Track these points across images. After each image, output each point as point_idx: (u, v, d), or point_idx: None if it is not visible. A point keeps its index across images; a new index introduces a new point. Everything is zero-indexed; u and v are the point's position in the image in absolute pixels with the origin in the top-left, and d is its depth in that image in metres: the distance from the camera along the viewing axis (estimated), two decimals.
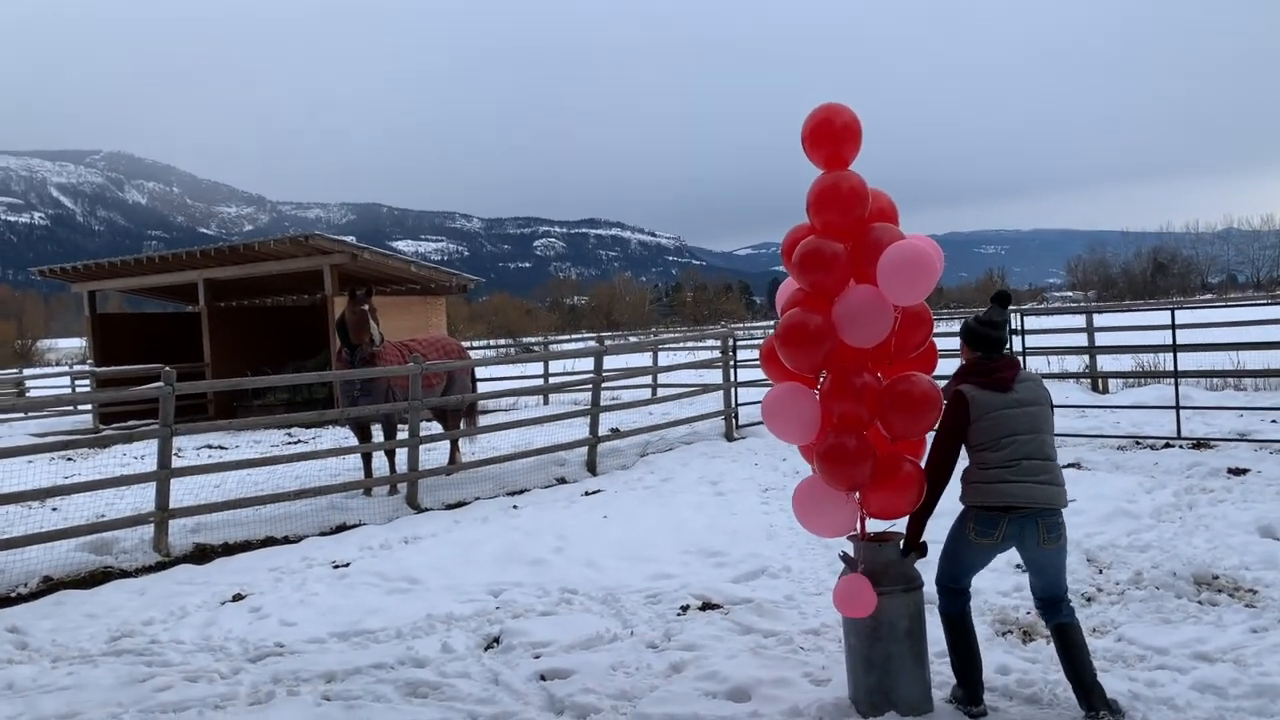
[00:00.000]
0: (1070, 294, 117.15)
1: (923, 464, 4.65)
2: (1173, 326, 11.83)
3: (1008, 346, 4.77)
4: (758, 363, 4.97)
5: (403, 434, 11.35)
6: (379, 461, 11.48)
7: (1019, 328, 13.34)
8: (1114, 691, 4.66)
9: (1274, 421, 11.91)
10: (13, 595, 7.53)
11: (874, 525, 4.90)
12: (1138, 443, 11.45)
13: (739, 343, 18.42)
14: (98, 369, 20.50)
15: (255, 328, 22.97)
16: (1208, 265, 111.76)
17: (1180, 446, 10.99)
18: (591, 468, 12.25)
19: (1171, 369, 15.60)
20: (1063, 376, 16.12)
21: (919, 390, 4.47)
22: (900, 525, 4.80)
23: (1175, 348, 11.90)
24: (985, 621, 5.79)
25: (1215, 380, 15.74)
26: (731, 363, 15.59)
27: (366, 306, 10.84)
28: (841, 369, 4.55)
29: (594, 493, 10.82)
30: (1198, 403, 13.27)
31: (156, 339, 23.07)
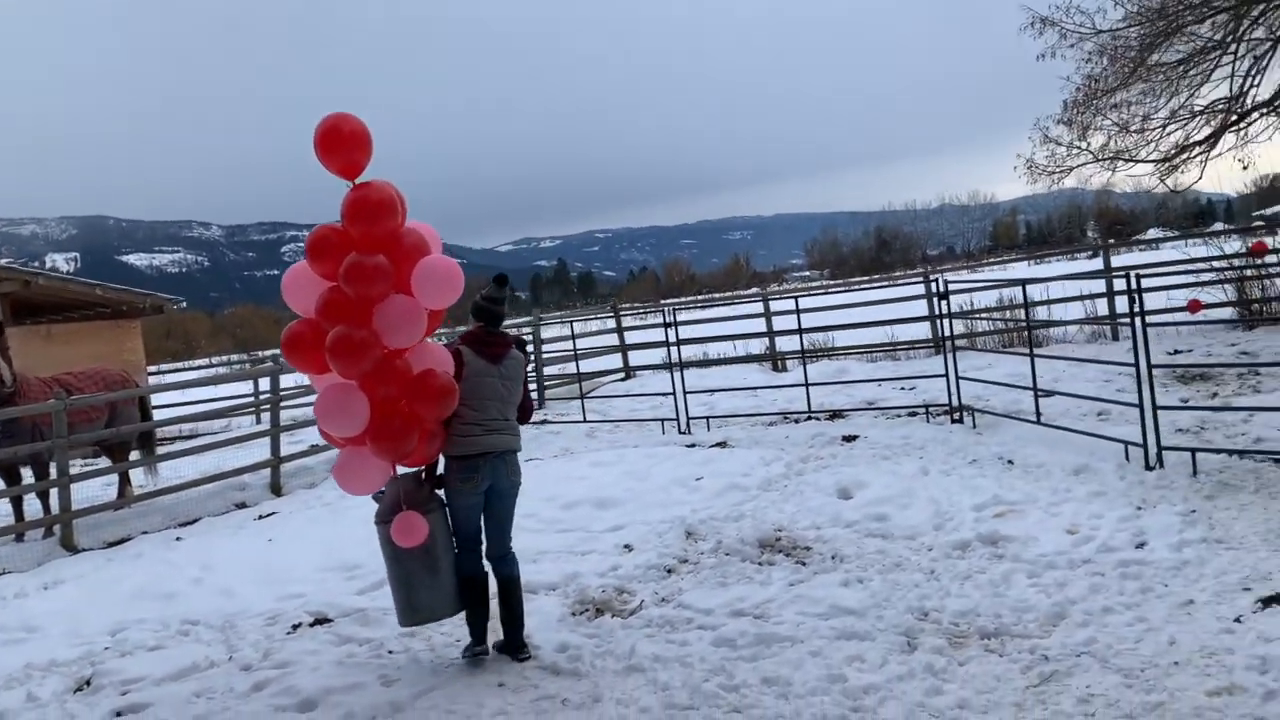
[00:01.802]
0: (809, 273, 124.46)
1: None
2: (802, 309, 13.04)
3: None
4: None
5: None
6: (35, 505, 10.90)
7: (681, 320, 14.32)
8: (642, 654, 5.30)
9: (902, 388, 13.37)
10: None
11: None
12: (785, 417, 12.58)
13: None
14: None
15: None
16: (925, 239, 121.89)
17: (818, 419, 12.18)
18: (275, 489, 12.13)
19: (832, 346, 17.30)
20: (746, 360, 17.43)
21: (441, 382, 5.16)
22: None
23: (798, 331, 13.12)
24: (568, 601, 6.34)
25: (877, 354, 17.51)
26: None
27: None
28: (384, 360, 5.04)
29: (269, 515, 10.74)
30: (855, 375, 14.73)
31: None
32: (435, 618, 5.52)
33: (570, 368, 16.92)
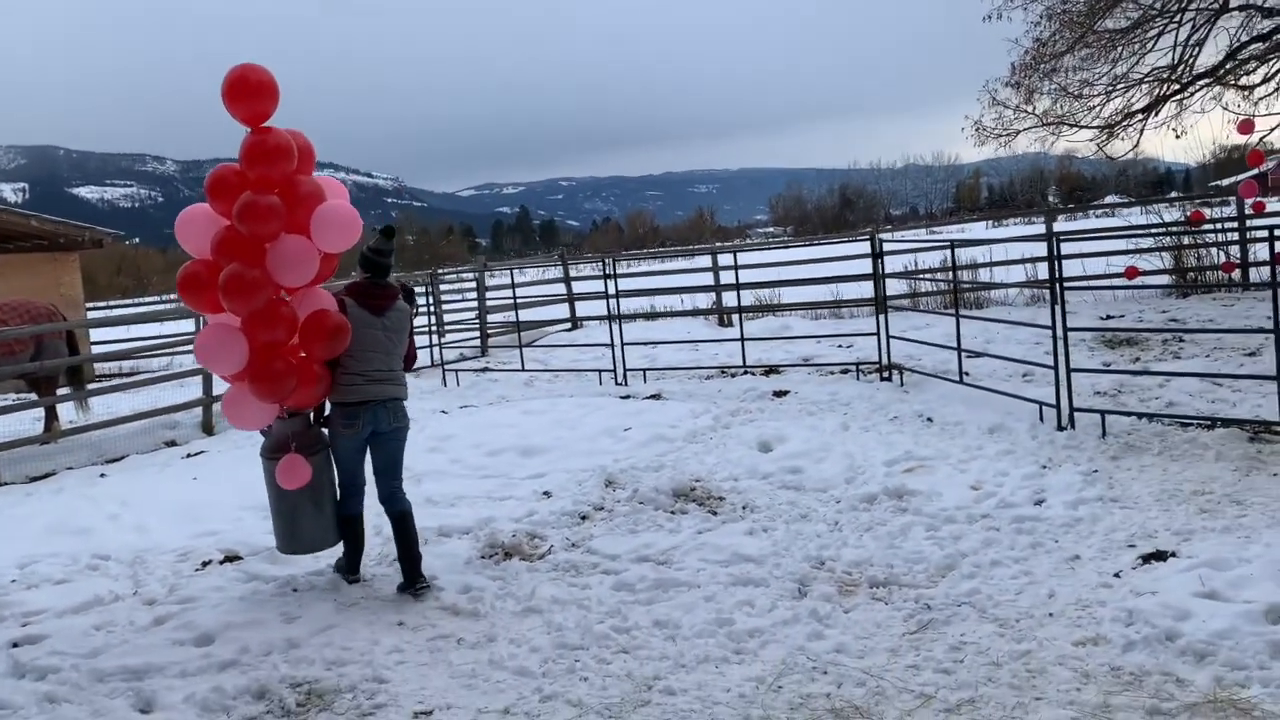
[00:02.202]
0: (772, 229, 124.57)
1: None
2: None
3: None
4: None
5: None
6: None
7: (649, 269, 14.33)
8: (542, 596, 5.39)
9: (840, 346, 13.52)
10: None
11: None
12: (723, 372, 12.68)
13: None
14: None
15: None
16: (890, 198, 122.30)
17: (753, 374, 12.28)
18: (207, 428, 12.04)
19: (778, 303, 17.42)
20: (689, 314, 17.50)
21: (335, 321, 5.44)
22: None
23: (735, 286, 13.18)
24: (479, 544, 6.40)
25: (822, 312, 17.65)
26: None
27: None
28: (270, 304, 5.25)
29: (197, 454, 10.68)
30: (796, 332, 14.86)
31: None
32: (316, 549, 5.86)
33: (514, 316, 16.87)
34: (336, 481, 5.81)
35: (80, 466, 10.47)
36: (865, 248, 16.42)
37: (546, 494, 7.57)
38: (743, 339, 12.44)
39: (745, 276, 18.92)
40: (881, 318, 11.09)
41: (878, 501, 6.69)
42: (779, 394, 10.69)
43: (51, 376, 11.73)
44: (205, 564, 6.54)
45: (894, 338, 11.05)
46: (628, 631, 4.94)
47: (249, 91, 5.11)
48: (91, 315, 24.58)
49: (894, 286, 14.83)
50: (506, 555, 6.27)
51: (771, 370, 12.34)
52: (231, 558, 6.60)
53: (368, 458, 5.81)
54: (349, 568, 5.94)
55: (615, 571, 5.79)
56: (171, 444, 11.46)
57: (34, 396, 12.19)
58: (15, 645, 5.30)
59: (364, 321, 5.60)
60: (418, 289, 22.03)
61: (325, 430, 5.82)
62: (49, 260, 19.72)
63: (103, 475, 9.91)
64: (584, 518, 6.93)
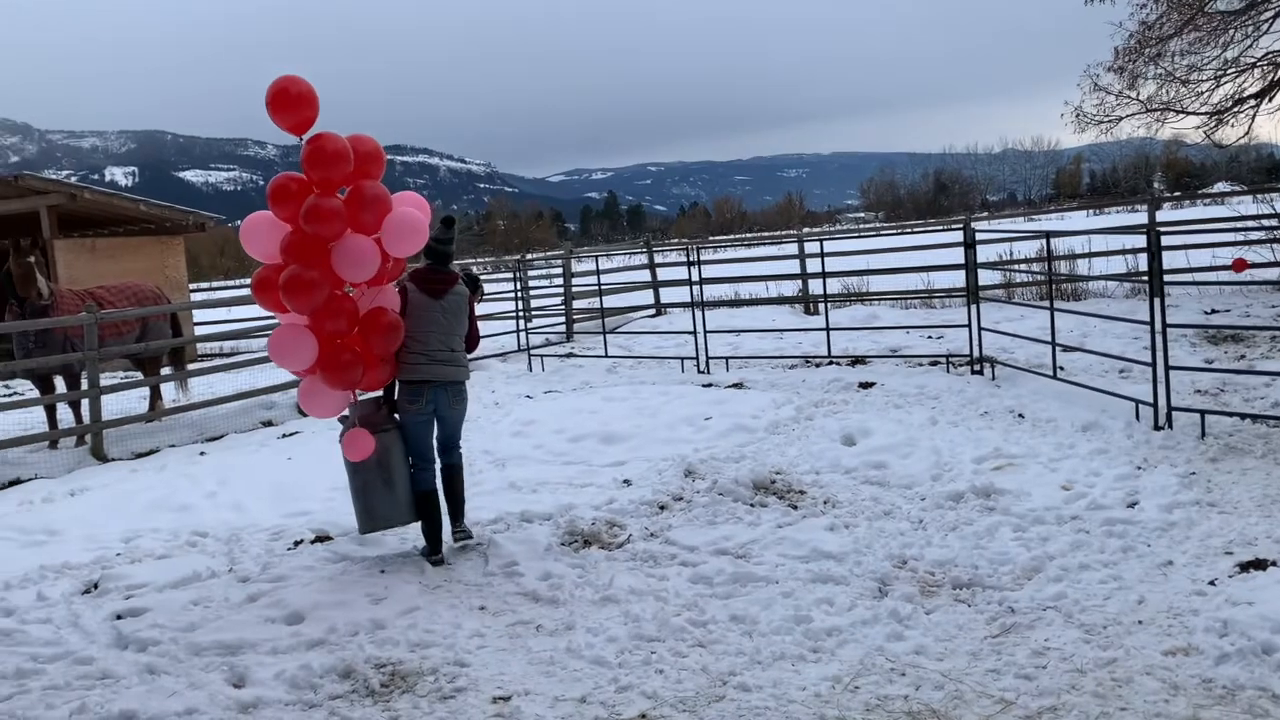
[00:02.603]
0: (863, 215, 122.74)
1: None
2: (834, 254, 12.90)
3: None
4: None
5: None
6: (67, 414, 11.29)
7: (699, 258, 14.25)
8: (620, 586, 5.44)
9: (930, 337, 13.27)
10: None
11: None
12: (807, 361, 12.56)
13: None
14: None
15: None
16: (986, 184, 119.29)
17: (839, 364, 12.14)
18: (303, 410, 12.37)
19: (866, 291, 17.17)
20: (775, 302, 17.36)
21: (390, 319, 5.89)
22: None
23: (821, 275, 12.99)
24: (559, 531, 6.48)
25: (912, 301, 17.33)
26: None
27: (32, 259, 10.53)
28: (332, 299, 5.71)
29: (292, 435, 11.01)
30: (884, 322, 14.63)
31: None
32: (391, 525, 6.23)
33: (599, 302, 16.96)
34: (408, 461, 6.13)
35: (182, 445, 10.88)
36: (957, 236, 16.10)
37: (626, 482, 7.62)
38: (828, 328, 12.29)
39: (832, 264, 18.69)
40: (973, 308, 10.85)
41: (964, 500, 6.56)
42: (865, 385, 10.55)
43: (156, 357, 12.20)
44: (297, 543, 6.75)
45: (986, 330, 10.80)
46: (704, 625, 4.95)
47: (290, 102, 5.54)
48: (194, 297, 25.47)
49: (987, 276, 14.50)
50: (586, 543, 6.33)
51: (857, 361, 12.18)
52: (322, 538, 6.80)
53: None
54: (429, 545, 6.18)
55: (693, 563, 5.81)
56: (268, 424, 11.84)
57: (139, 375, 12.71)
58: (119, 617, 5.56)
59: (424, 305, 6.05)
60: (506, 274, 22.37)
61: (395, 413, 6.18)
62: (156, 243, 20.50)
63: (202, 453, 10.29)
64: (663, 508, 6.95)
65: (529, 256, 20.46)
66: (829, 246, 13.48)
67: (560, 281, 18.74)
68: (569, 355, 15.09)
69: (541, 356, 14.66)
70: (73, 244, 18.56)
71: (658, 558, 5.96)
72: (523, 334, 15.73)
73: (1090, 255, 16.05)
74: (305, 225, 5.49)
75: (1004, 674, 4.25)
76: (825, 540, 5.97)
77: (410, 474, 6.13)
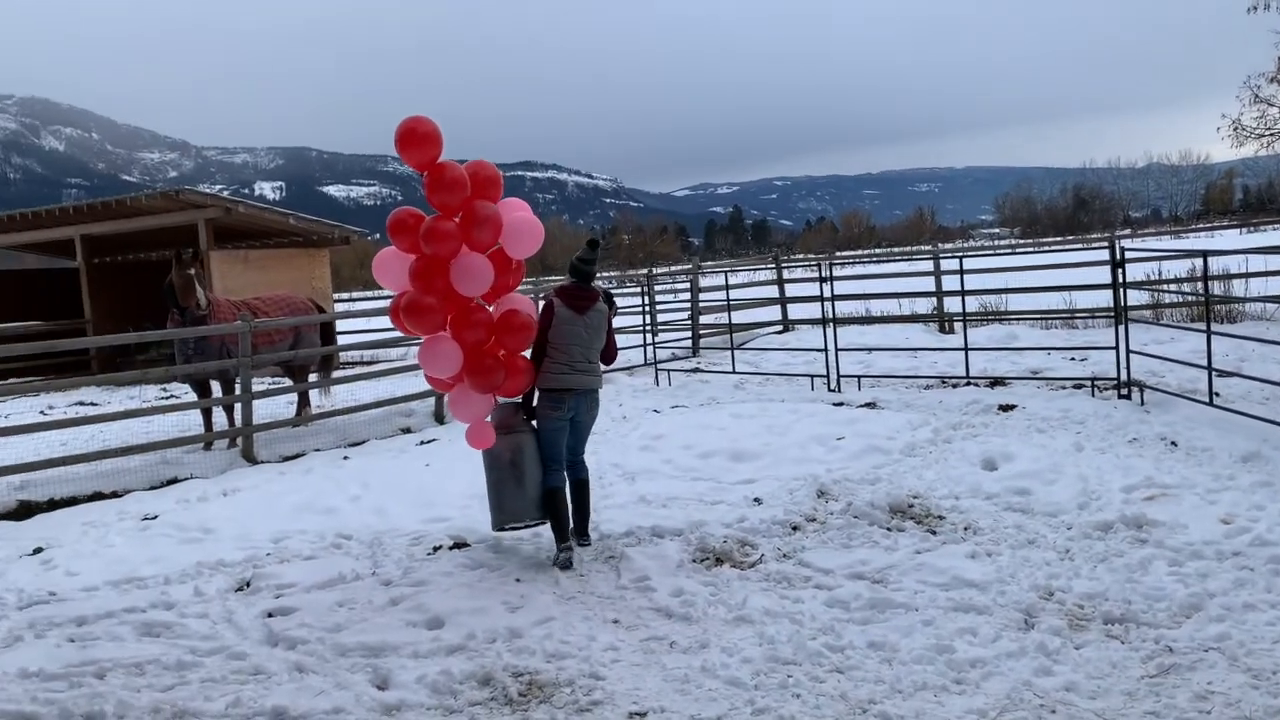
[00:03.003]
0: (997, 230, 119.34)
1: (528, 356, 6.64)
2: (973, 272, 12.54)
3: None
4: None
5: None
6: (221, 417, 11.88)
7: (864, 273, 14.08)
8: (754, 606, 5.39)
9: (1073, 359, 12.76)
10: None
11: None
12: (943, 382, 12.24)
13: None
14: None
15: (137, 283, 22.94)
16: (1129, 200, 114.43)
17: (977, 385, 11.79)
18: (439, 417, 12.75)
19: (1005, 310, 16.63)
20: (908, 320, 17.00)
21: (521, 319, 6.42)
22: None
23: (960, 293, 12.63)
24: (690, 548, 6.47)
25: (1053, 321, 16.73)
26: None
27: (193, 270, 11.12)
28: (464, 312, 6.27)
29: (429, 442, 11.32)
30: (1024, 342, 14.15)
31: (38, 296, 22.98)
32: (520, 521, 6.56)
33: (726, 317, 16.92)
34: (539, 463, 6.54)
35: (326, 449, 11.31)
36: (1101, 254, 15.47)
37: (757, 501, 7.56)
38: (966, 347, 11.96)
39: (969, 281, 18.17)
40: (1120, 330, 10.39)
41: (1114, 530, 6.28)
42: (1005, 408, 10.22)
43: (305, 365, 12.73)
44: (436, 549, 6.93)
45: (1134, 352, 10.33)
46: (841, 650, 4.86)
47: (417, 141, 6.05)
48: (336, 307, 26.51)
49: (1134, 297, 13.89)
50: (718, 561, 6.30)
51: (997, 382, 11.82)
52: (460, 544, 6.97)
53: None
54: (557, 535, 6.54)
55: (828, 587, 5.72)
56: (407, 430, 12.21)
57: (288, 381, 13.29)
58: (270, 615, 5.80)
59: (568, 319, 6.50)
60: (633, 288, 22.56)
61: (530, 417, 6.65)
62: (304, 255, 21.43)
63: (346, 458, 10.67)
64: (795, 528, 6.87)
65: (654, 271, 20.62)
66: (967, 264, 13.10)
67: (686, 296, 18.76)
68: (695, 370, 15.10)
69: (668, 371, 14.71)
70: (227, 255, 19.57)
71: (791, 579, 5.89)
72: (649, 348, 15.83)
73: (1247, 276, 15.18)
74: (424, 246, 6.03)
75: (1163, 717, 4.04)
76: (967, 568, 5.80)
77: (541, 474, 6.54)
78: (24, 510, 9.15)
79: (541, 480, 6.53)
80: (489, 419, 6.54)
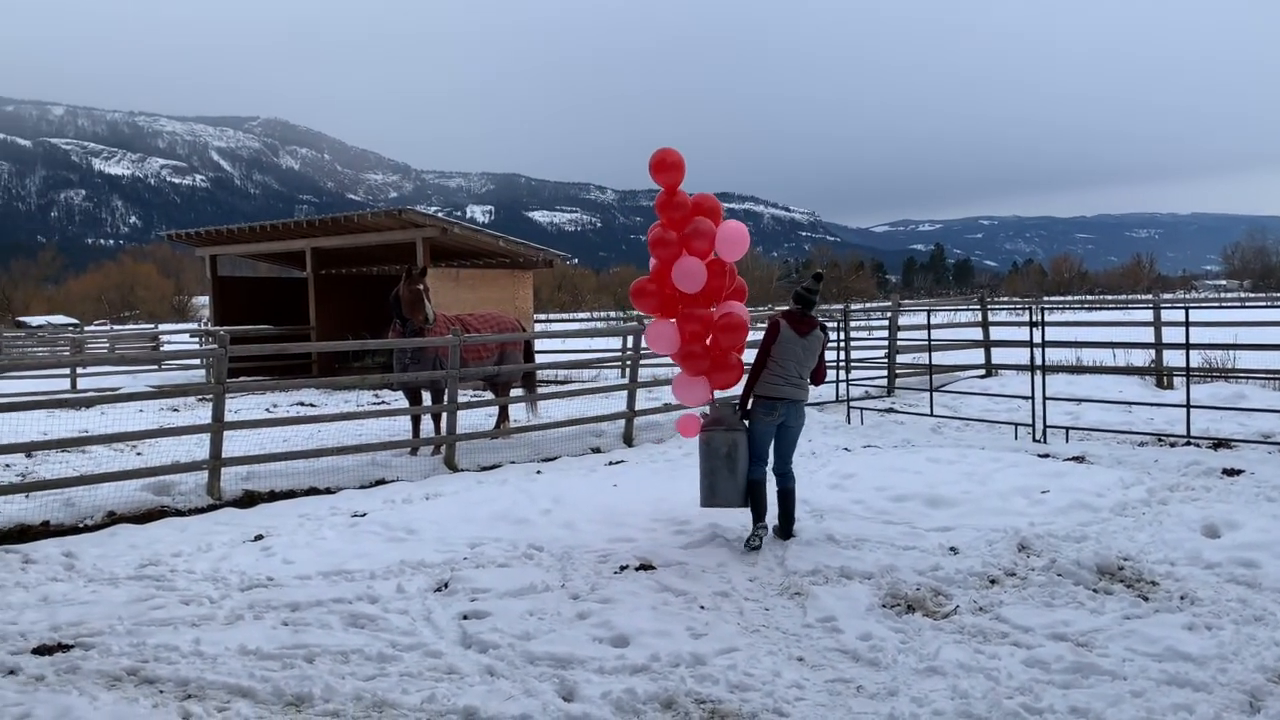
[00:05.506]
0: (1225, 282, 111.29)
1: (746, 361, 7.95)
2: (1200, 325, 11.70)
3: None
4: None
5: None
6: (428, 425, 12.50)
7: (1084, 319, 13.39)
8: (947, 658, 5.19)
9: None
10: (79, 525, 8.78)
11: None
12: (1160, 440, 11.46)
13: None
14: (210, 328, 22.35)
15: (358, 294, 24.52)
16: None
17: (1198, 445, 10.98)
18: (627, 440, 12.99)
19: (1232, 367, 15.41)
20: (1123, 371, 16.01)
21: (738, 319, 7.90)
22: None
23: (1185, 346, 11.75)
24: (880, 592, 6.31)
25: None
26: None
27: (421, 286, 11.75)
28: (688, 306, 7.91)
29: (617, 463, 11.54)
30: (1254, 403, 13.07)
31: (267, 302, 24.94)
32: (727, 504, 7.60)
33: (925, 357, 16.44)
34: (748, 458, 7.56)
35: (521, 462, 11.72)
36: None
37: (953, 550, 7.29)
38: (1189, 404, 11.17)
39: (1194, 334, 16.93)
40: None
41: None
42: (1230, 472, 9.46)
43: (508, 380, 13.24)
44: (622, 568, 7.03)
45: None
46: (1040, 713, 4.61)
47: (667, 167, 7.87)
48: (534, 327, 27.48)
49: None
50: (909, 608, 6.11)
51: (1220, 444, 10.97)
52: (645, 566, 7.05)
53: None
54: (754, 517, 7.59)
55: (1027, 645, 5.43)
56: (596, 450, 12.49)
57: (489, 395, 13.86)
58: (465, 618, 6.04)
59: (790, 339, 7.55)
60: (830, 323, 22.32)
61: (745, 420, 7.65)
62: (509, 276, 22.35)
63: (539, 472, 11.01)
64: (993, 581, 6.58)
65: (850, 307, 20.34)
66: (1192, 316, 12.22)
67: (882, 334, 18.36)
68: (889, 410, 14.73)
69: (861, 409, 14.43)
70: (440, 272, 20.63)
71: (987, 634, 5.64)
72: (842, 384, 15.57)
73: None
74: (651, 252, 7.95)
75: None
76: (1182, 640, 5.39)
77: (748, 467, 7.56)
78: (248, 499, 9.91)
79: (747, 472, 7.53)
80: (707, 411, 7.86)
